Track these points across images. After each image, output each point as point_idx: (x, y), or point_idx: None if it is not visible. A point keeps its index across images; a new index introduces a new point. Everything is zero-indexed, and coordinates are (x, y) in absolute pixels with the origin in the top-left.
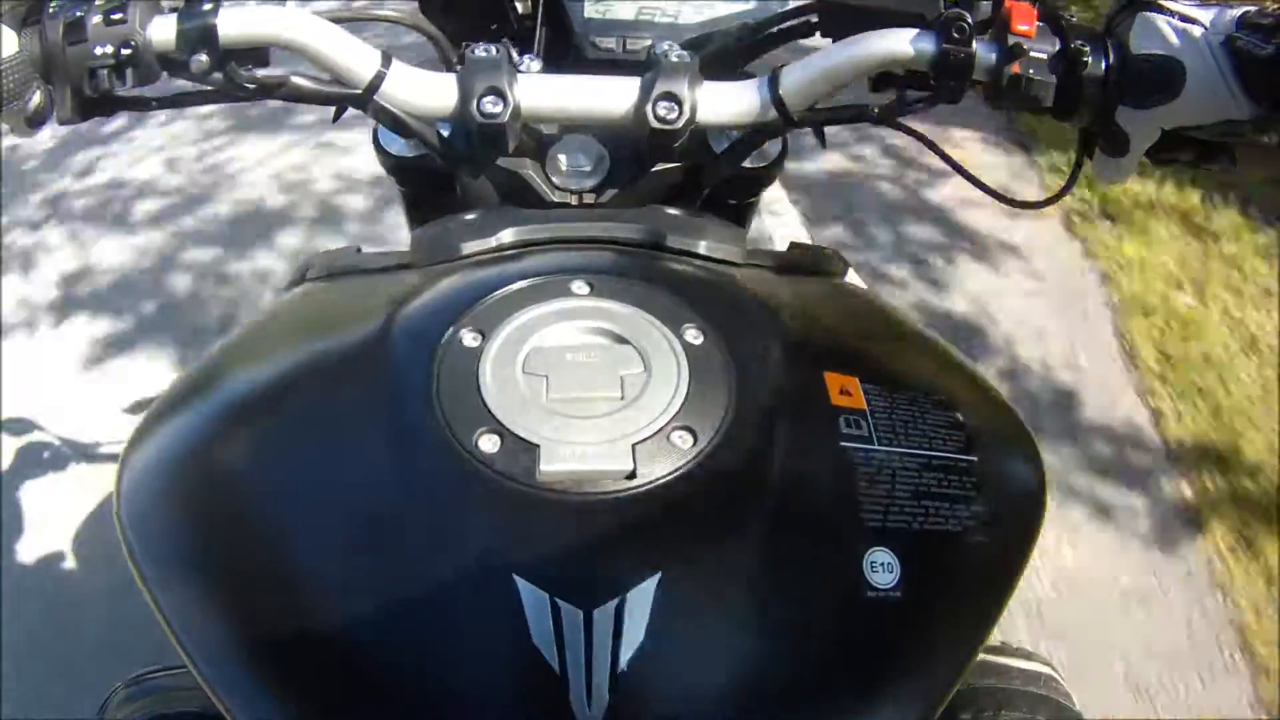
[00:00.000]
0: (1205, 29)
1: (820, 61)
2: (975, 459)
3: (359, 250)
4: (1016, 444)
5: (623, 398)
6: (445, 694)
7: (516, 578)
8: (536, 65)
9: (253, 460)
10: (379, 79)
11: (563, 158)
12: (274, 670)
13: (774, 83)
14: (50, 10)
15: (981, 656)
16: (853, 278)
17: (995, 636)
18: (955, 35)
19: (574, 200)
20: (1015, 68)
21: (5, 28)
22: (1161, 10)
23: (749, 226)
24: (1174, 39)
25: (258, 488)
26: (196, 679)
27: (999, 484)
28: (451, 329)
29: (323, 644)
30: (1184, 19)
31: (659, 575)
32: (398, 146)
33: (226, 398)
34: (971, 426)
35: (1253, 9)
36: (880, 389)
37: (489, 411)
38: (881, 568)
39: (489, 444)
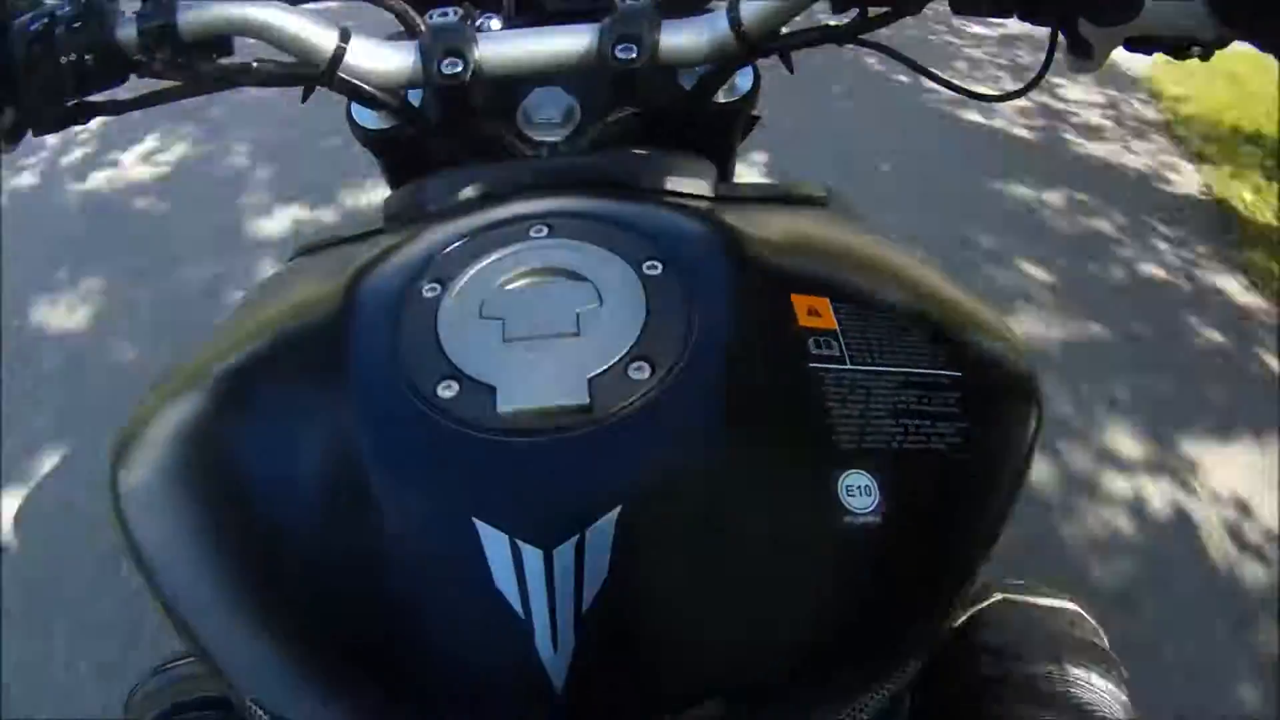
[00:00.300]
0: None
1: None
2: (959, 374)
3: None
4: (1006, 358)
5: (579, 333)
6: (415, 644)
7: (476, 521)
8: (497, 24)
9: (232, 437)
10: (339, 55)
11: (533, 112)
12: (261, 632)
13: (733, 13)
14: (14, 26)
15: (1002, 595)
16: (841, 206)
17: (1018, 575)
18: None
19: (548, 152)
20: None
21: None
22: None
23: (732, 166)
24: None
25: (237, 464)
26: (195, 652)
27: (986, 399)
28: (411, 283)
29: (301, 605)
30: None
31: (619, 510)
32: (370, 119)
33: (209, 381)
34: (955, 342)
35: None
36: (853, 308)
37: (446, 359)
38: (858, 491)
39: (447, 391)
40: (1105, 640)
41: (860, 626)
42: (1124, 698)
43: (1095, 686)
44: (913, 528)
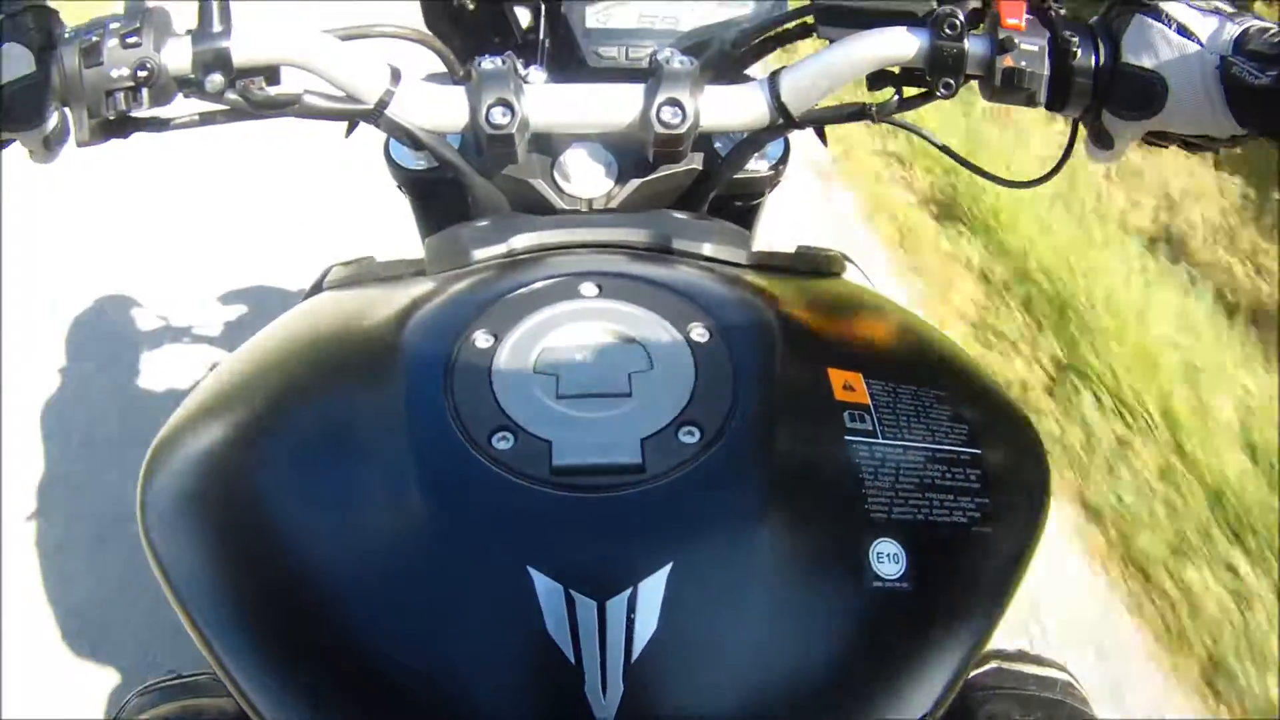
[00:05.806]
0: (1201, 45)
1: (818, 63)
2: (979, 452)
3: (375, 260)
4: (1020, 438)
5: (631, 395)
6: (464, 686)
7: (531, 570)
8: (542, 76)
9: (273, 468)
10: (389, 95)
11: (571, 166)
12: (300, 669)
13: (774, 85)
14: (66, 35)
15: (998, 663)
16: (857, 276)
17: (1012, 644)
18: (947, 31)
19: (583, 207)
20: (1008, 60)
21: (22, 48)
22: (1159, 16)
23: (755, 230)
24: (1166, 53)
25: (278, 495)
26: (225, 683)
27: (1003, 476)
28: (465, 332)
29: (347, 643)
30: (1181, 30)
31: (670, 566)
32: (409, 160)
33: (246, 406)
34: (975, 420)
35: (1255, 26)
36: (883, 384)
37: (501, 411)
38: (887, 558)
39: (502, 442)
40: (1094, 710)
41: (885, 683)
42: None
43: None
44: (936, 593)
